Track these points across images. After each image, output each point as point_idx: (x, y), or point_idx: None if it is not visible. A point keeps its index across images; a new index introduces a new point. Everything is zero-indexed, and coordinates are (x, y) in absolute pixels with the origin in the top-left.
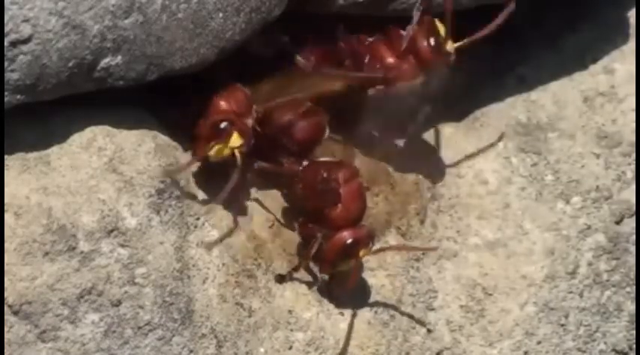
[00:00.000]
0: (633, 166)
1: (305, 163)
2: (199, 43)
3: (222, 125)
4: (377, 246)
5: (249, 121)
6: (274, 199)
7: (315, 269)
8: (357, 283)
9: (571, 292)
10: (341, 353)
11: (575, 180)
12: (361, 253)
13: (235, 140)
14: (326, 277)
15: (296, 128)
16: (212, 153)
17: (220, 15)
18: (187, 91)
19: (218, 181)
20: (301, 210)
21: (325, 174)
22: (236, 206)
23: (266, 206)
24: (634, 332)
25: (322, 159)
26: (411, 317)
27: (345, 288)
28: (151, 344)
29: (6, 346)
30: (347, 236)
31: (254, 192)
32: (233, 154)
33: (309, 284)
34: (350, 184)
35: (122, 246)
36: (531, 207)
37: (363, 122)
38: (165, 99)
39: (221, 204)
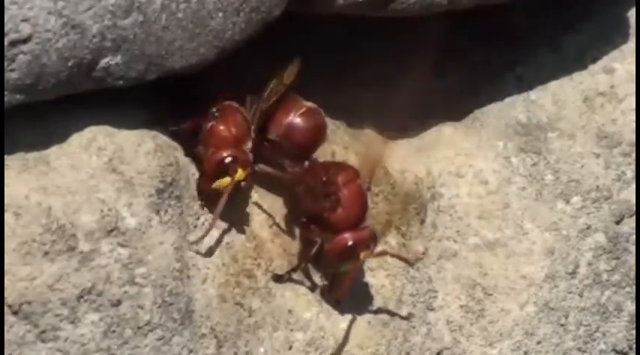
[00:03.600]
0: (633, 166)
1: (305, 166)
2: (199, 43)
3: (227, 161)
4: (379, 248)
5: (249, 145)
6: (275, 200)
7: (316, 271)
8: (349, 288)
9: (571, 292)
10: (341, 353)
11: (575, 180)
12: (362, 255)
13: (240, 175)
14: (326, 280)
15: (296, 130)
16: (216, 186)
17: (220, 15)
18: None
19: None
20: (303, 211)
21: (325, 178)
22: (236, 206)
23: (266, 207)
24: (634, 332)
25: (323, 160)
26: (406, 318)
27: (339, 294)
28: (151, 344)
29: (6, 346)
30: (348, 238)
31: (254, 193)
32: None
33: (310, 285)
34: (350, 187)
35: (122, 245)
36: (531, 207)
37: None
38: (165, 99)
39: (215, 225)
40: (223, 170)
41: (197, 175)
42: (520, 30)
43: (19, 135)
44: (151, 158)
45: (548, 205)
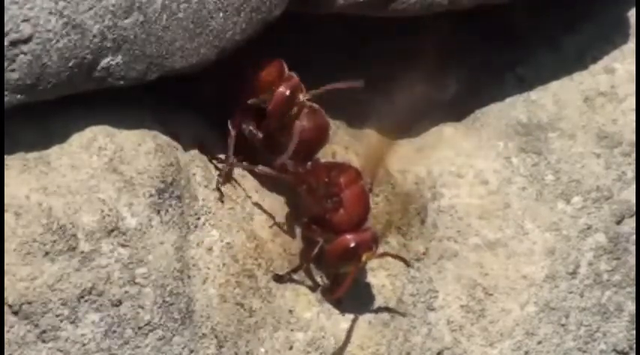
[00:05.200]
0: (633, 166)
1: (308, 166)
2: (199, 43)
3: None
4: (380, 250)
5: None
6: (275, 200)
7: (317, 270)
8: (350, 288)
9: (571, 292)
10: (341, 353)
11: (575, 180)
12: (364, 256)
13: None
14: (327, 279)
15: (299, 130)
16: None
17: (221, 15)
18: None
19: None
20: (304, 211)
21: (327, 179)
22: (237, 205)
23: (266, 207)
24: (634, 332)
25: (325, 161)
26: (404, 315)
27: (337, 293)
28: (152, 344)
29: (6, 346)
30: (349, 239)
31: (255, 193)
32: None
33: (310, 285)
34: (352, 188)
35: (122, 245)
36: (532, 207)
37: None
38: (165, 98)
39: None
40: (293, 96)
41: (198, 175)
42: (520, 30)
43: (19, 135)
44: (152, 158)
45: (548, 205)
